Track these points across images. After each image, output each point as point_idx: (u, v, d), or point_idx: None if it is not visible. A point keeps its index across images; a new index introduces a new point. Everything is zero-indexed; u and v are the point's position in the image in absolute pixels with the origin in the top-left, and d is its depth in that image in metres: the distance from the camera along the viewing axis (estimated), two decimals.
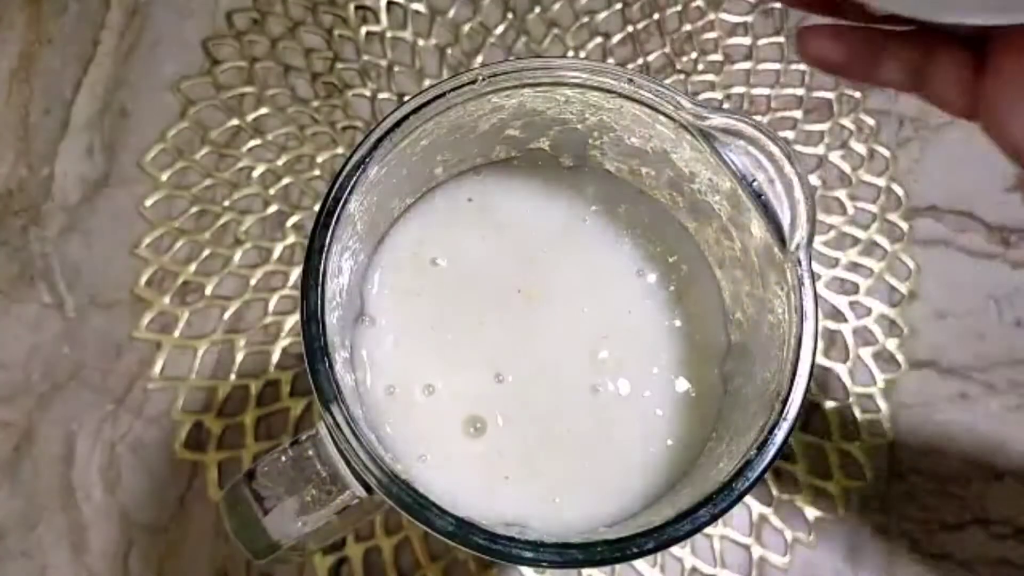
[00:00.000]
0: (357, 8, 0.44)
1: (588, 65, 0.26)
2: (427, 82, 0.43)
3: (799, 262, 0.24)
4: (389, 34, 0.44)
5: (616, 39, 0.44)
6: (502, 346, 0.30)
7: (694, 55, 0.44)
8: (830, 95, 0.44)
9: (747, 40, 0.45)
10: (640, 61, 0.44)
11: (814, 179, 0.43)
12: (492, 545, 0.22)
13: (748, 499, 0.36)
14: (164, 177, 0.41)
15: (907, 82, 0.21)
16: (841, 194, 0.42)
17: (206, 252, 0.40)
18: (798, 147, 0.43)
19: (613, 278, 0.31)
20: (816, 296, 0.24)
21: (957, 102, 0.20)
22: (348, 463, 0.23)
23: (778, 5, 0.45)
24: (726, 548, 0.37)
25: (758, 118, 0.39)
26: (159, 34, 0.43)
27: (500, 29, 0.44)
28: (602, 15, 0.45)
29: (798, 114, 0.44)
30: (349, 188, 0.24)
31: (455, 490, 0.27)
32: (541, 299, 0.30)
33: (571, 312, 0.30)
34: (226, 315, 0.39)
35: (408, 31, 0.44)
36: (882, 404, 0.39)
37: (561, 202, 0.32)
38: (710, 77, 0.44)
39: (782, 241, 0.24)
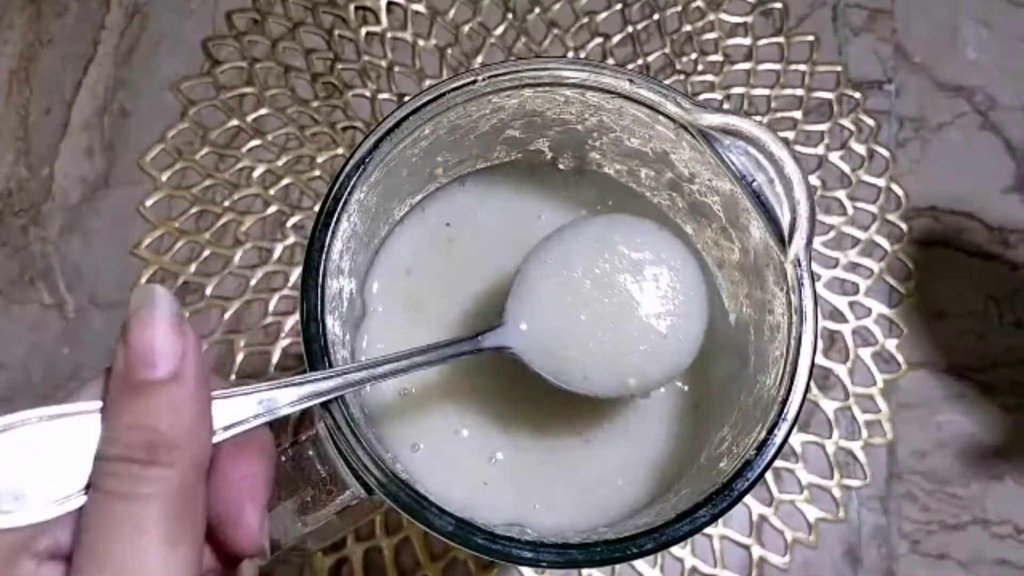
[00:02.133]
0: (357, 9, 0.44)
1: (588, 65, 0.26)
2: (427, 82, 0.43)
3: (799, 263, 0.24)
4: (389, 35, 0.44)
5: (616, 39, 0.44)
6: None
7: (694, 56, 0.44)
8: (830, 95, 0.44)
9: (747, 41, 0.45)
10: (640, 61, 0.44)
11: (814, 180, 0.43)
12: (492, 545, 0.22)
13: (748, 499, 0.36)
14: (164, 177, 0.41)
15: None
16: (841, 195, 0.42)
17: (206, 252, 0.40)
18: (798, 147, 0.43)
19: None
20: (816, 297, 0.24)
21: None
22: (348, 463, 0.23)
23: (778, 5, 0.45)
24: (726, 548, 0.37)
25: (758, 118, 0.39)
26: (159, 34, 0.43)
27: (500, 29, 0.44)
28: (602, 15, 0.45)
29: (798, 115, 0.44)
30: (349, 188, 0.24)
31: (449, 480, 0.28)
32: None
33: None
34: (226, 315, 0.39)
35: (408, 32, 0.44)
36: (882, 404, 0.40)
37: (560, 203, 0.32)
38: (710, 78, 0.44)
39: (782, 242, 0.24)
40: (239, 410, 0.19)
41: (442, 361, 0.24)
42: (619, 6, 0.45)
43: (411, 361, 0.23)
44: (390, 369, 0.23)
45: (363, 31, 0.44)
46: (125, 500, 0.16)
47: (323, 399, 0.21)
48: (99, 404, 0.17)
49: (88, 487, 0.17)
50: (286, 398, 0.20)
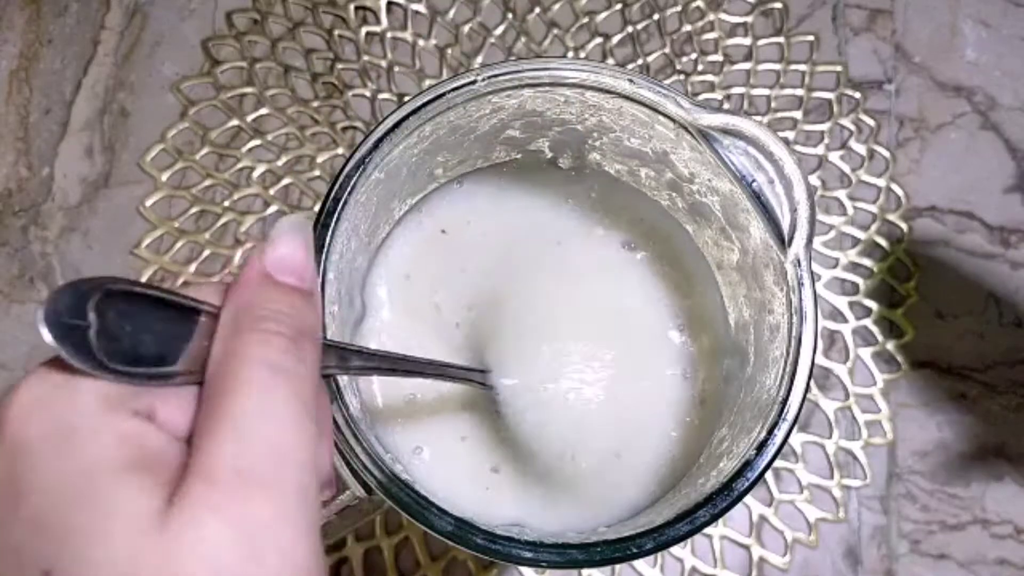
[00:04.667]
0: (357, 9, 0.44)
1: (588, 65, 0.26)
2: (427, 82, 0.43)
3: (799, 263, 0.24)
4: (389, 35, 0.44)
5: (616, 39, 0.44)
6: (503, 347, 0.30)
7: (694, 55, 0.44)
8: (830, 95, 0.44)
9: (747, 41, 0.45)
10: (640, 61, 0.44)
11: (814, 179, 0.43)
12: (492, 545, 0.22)
13: (748, 499, 0.36)
14: (164, 177, 0.41)
15: None
16: (841, 194, 0.42)
17: (206, 252, 0.40)
18: (798, 147, 0.43)
19: (612, 280, 0.31)
20: (816, 297, 0.24)
21: None
22: (348, 463, 0.23)
23: (778, 5, 0.45)
24: (726, 548, 0.37)
25: (758, 119, 0.39)
26: (159, 34, 0.43)
27: (500, 29, 0.44)
28: (602, 15, 0.45)
29: (798, 115, 0.44)
30: (349, 188, 0.24)
31: (451, 483, 0.27)
32: (541, 301, 0.30)
33: (570, 314, 0.30)
34: None
35: (408, 32, 0.44)
36: (882, 404, 0.39)
37: (561, 205, 0.32)
38: (710, 78, 0.44)
39: (782, 241, 0.24)
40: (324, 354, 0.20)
41: (453, 380, 0.26)
42: (619, 6, 0.45)
43: (434, 369, 0.25)
44: (417, 368, 0.24)
45: (363, 31, 0.44)
46: (283, 373, 0.17)
47: (374, 372, 0.24)
48: (216, 306, 0.18)
49: (191, 373, 0.17)
50: (358, 360, 0.22)
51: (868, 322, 0.41)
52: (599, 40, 0.44)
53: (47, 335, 0.15)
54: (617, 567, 0.37)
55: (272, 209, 0.41)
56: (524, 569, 0.36)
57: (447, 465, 0.28)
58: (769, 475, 0.38)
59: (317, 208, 0.25)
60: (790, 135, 0.43)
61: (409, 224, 0.31)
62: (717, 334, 0.31)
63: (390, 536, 0.36)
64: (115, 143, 0.42)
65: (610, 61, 0.44)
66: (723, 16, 0.45)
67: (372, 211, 0.27)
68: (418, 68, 0.43)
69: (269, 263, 0.18)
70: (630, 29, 0.45)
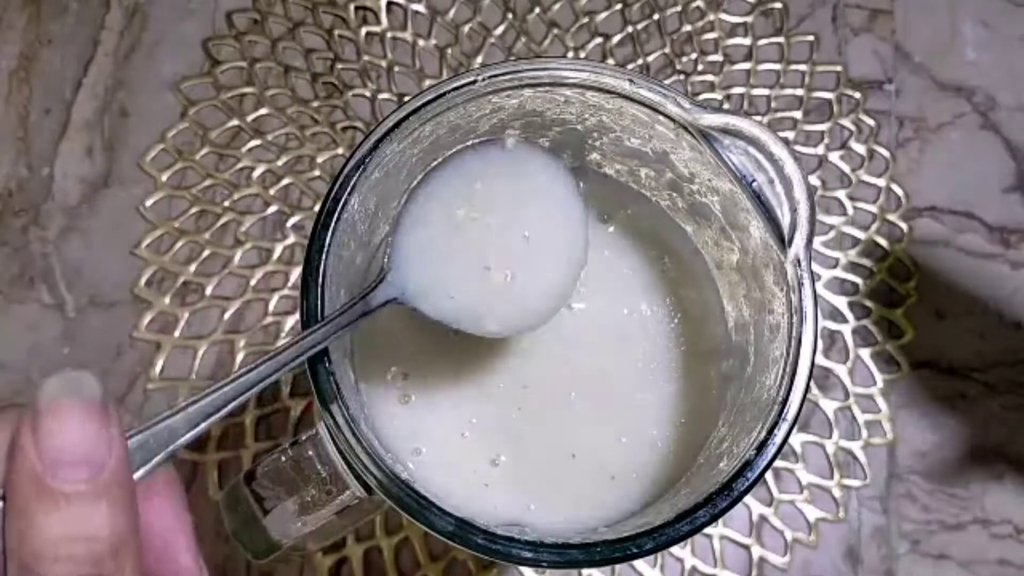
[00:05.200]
0: (357, 9, 0.44)
1: (588, 65, 0.26)
2: (427, 82, 0.43)
3: (799, 262, 0.24)
4: (389, 35, 0.44)
5: (616, 39, 0.44)
6: (500, 346, 0.30)
7: (694, 55, 0.44)
8: (830, 95, 0.44)
9: (747, 41, 0.45)
10: (640, 61, 0.44)
11: (814, 179, 0.43)
12: (492, 545, 0.22)
13: (748, 499, 0.36)
14: (164, 177, 0.41)
15: None
16: (841, 194, 0.42)
17: (206, 252, 0.40)
18: (798, 147, 0.43)
19: (611, 280, 0.31)
20: (816, 297, 0.24)
21: None
22: (348, 463, 0.23)
23: (778, 5, 0.45)
24: (726, 548, 0.37)
25: (758, 118, 0.39)
26: (159, 34, 0.43)
27: (500, 29, 0.44)
28: (602, 15, 0.45)
29: (798, 114, 0.44)
30: (349, 188, 0.24)
31: (449, 483, 0.27)
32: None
33: (569, 313, 0.30)
34: (226, 315, 0.39)
35: (408, 32, 0.44)
36: (882, 404, 0.40)
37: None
38: (710, 77, 0.44)
39: (782, 241, 0.24)
40: (140, 452, 0.18)
41: (337, 333, 0.23)
42: (619, 6, 0.45)
43: (301, 346, 0.22)
44: (277, 365, 0.21)
45: (363, 31, 0.44)
46: None
47: (219, 415, 0.20)
48: None
49: None
50: (181, 425, 0.19)
51: (868, 322, 0.41)
52: (599, 40, 0.44)
53: None
54: (617, 567, 0.37)
55: (272, 209, 0.41)
56: (524, 569, 0.36)
57: (447, 462, 0.28)
58: (769, 475, 0.38)
59: (317, 208, 0.25)
60: (790, 135, 0.43)
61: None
62: (716, 335, 0.31)
63: (390, 536, 0.36)
64: (115, 143, 0.42)
65: (610, 61, 0.44)
66: (723, 16, 0.45)
67: (372, 211, 0.27)
68: (418, 68, 0.43)
69: (43, 459, 0.14)
70: (630, 29, 0.45)
